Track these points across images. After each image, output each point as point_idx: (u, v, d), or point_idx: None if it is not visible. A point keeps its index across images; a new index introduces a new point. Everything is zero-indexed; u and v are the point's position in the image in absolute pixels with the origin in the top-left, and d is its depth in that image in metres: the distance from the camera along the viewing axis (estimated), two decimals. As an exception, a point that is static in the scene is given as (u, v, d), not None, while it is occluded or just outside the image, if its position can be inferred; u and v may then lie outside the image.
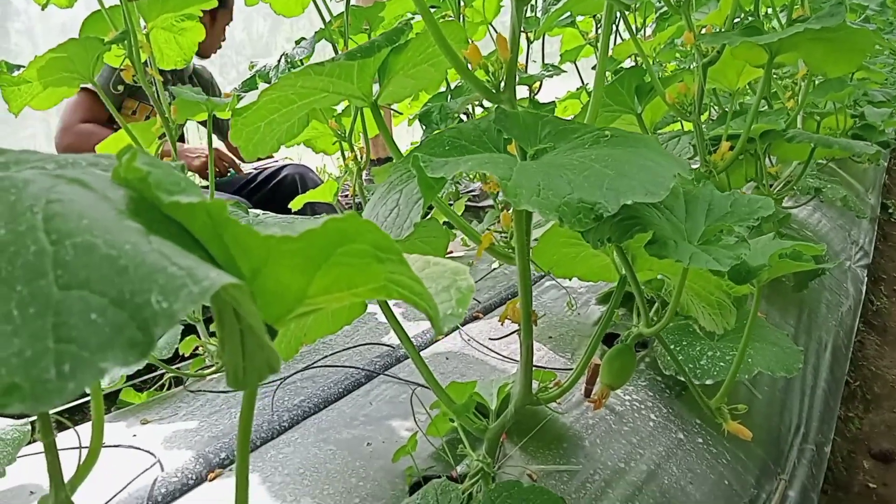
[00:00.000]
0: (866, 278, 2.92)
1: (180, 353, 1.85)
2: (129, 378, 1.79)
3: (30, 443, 1.30)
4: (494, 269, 2.39)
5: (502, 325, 1.05)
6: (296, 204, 2.35)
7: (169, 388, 1.85)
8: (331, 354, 1.67)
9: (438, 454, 1.24)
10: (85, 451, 0.56)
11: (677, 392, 1.59)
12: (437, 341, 1.77)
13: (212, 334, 1.91)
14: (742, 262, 0.75)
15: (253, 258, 0.35)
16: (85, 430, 1.36)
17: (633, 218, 0.75)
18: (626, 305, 1.99)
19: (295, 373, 1.56)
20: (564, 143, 0.80)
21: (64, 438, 1.33)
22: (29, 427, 1.20)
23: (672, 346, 1.59)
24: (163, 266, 0.28)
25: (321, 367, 1.58)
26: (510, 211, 1.00)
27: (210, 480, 1.18)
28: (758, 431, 1.64)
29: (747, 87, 2.43)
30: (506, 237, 1.06)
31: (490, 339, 1.74)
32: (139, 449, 1.30)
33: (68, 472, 0.51)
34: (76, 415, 1.88)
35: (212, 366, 1.83)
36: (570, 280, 1.44)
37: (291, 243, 0.36)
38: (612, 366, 0.94)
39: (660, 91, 1.61)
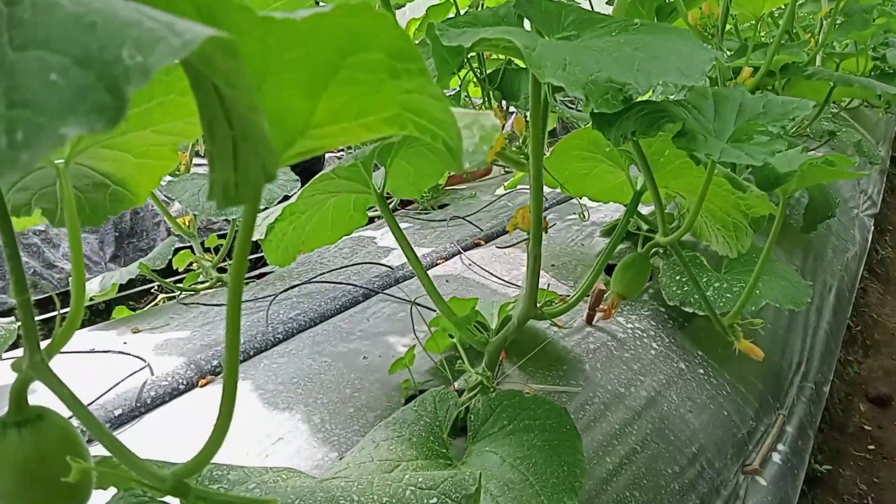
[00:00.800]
0: (873, 227, 2.88)
1: (174, 268, 1.82)
2: (122, 288, 1.76)
3: (13, 347, 1.27)
4: (497, 197, 2.34)
5: (511, 234, 1.00)
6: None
7: (161, 304, 1.82)
8: (328, 272, 1.63)
9: (436, 370, 1.21)
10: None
11: (680, 324, 1.56)
12: (437, 265, 1.73)
13: (206, 250, 1.87)
14: (770, 167, 0.70)
15: (252, 64, 0.30)
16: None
17: (660, 111, 0.69)
18: (629, 240, 1.95)
19: (291, 287, 1.53)
20: (589, 31, 0.74)
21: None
22: (15, 326, 1.17)
23: (678, 278, 1.55)
24: (137, 20, 0.23)
25: (319, 282, 1.54)
26: (527, 115, 0.94)
27: (201, 386, 1.15)
28: (759, 367, 1.62)
29: (768, 18, 2.34)
30: (518, 144, 1.01)
31: (498, 247, 1.69)
32: (129, 354, 1.27)
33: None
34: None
35: (205, 281, 1.79)
36: (579, 198, 1.39)
37: (295, 49, 0.30)
38: (624, 275, 0.90)
39: (682, 12, 1.53)
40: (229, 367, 0.44)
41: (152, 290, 2.55)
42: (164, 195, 2.20)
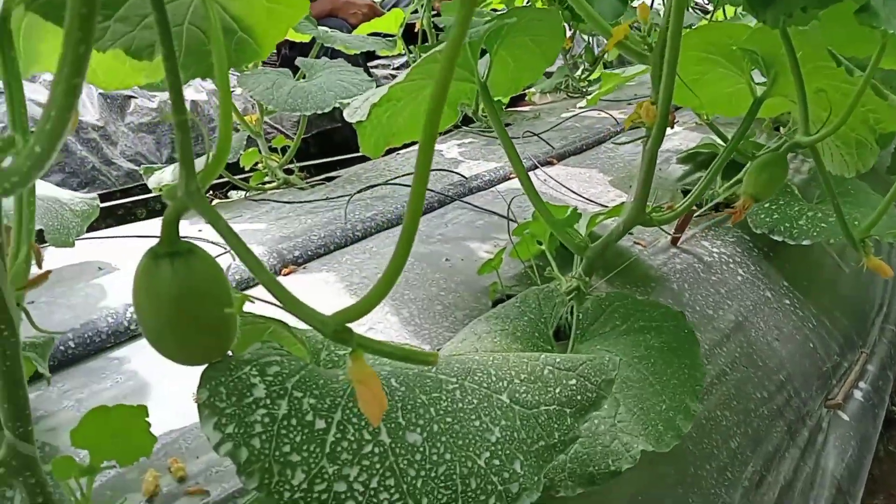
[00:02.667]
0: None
1: (241, 167, 1.79)
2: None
3: (96, 231, 1.25)
4: (564, 118, 2.26)
5: (626, 129, 0.94)
6: (361, 30, 2.21)
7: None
8: (401, 176, 1.59)
9: (521, 276, 1.17)
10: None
11: (765, 252, 1.50)
12: (511, 178, 1.68)
13: (272, 150, 1.83)
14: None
15: None
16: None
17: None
18: (706, 167, 1.87)
19: (366, 188, 1.49)
20: None
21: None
22: (98, 202, 1.15)
23: (768, 205, 1.48)
24: None
25: (395, 184, 1.50)
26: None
27: (284, 275, 1.13)
28: (844, 303, 1.56)
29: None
30: (639, 32, 0.93)
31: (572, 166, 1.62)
32: (207, 241, 1.24)
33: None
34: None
35: (273, 181, 1.76)
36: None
37: None
38: (759, 175, 0.84)
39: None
40: (415, 191, 0.40)
41: (207, 194, 2.54)
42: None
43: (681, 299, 1.22)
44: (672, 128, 0.85)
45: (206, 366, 0.48)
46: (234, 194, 2.52)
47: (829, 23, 0.80)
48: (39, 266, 0.55)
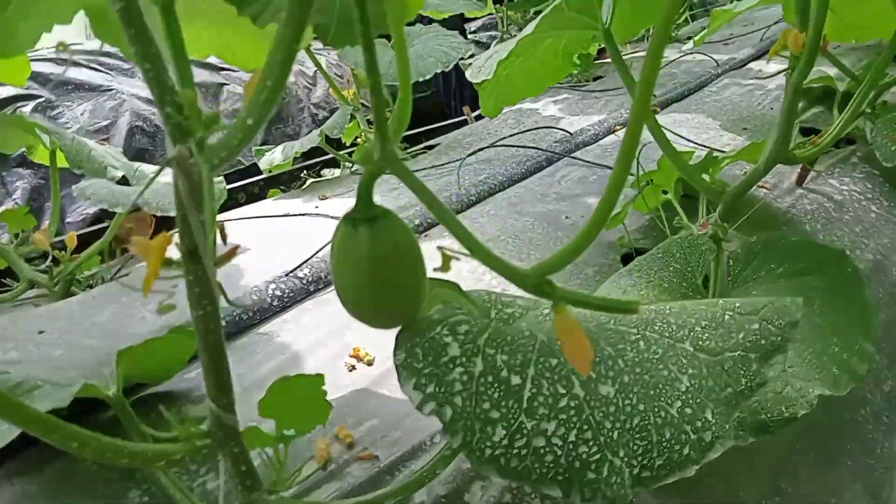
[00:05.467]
0: None
1: (343, 142, 1.81)
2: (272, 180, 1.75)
3: (222, 209, 1.29)
4: (663, 66, 2.18)
5: (769, 62, 0.90)
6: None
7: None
8: (502, 139, 1.57)
9: (647, 228, 1.14)
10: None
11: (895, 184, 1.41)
12: (615, 131, 1.64)
13: (370, 122, 1.84)
14: None
15: None
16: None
17: None
18: (823, 103, 1.77)
19: (473, 152, 1.48)
20: None
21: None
22: (224, 184, 1.19)
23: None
24: None
25: (504, 146, 1.48)
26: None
27: (408, 244, 1.14)
28: None
29: None
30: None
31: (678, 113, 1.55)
32: (326, 216, 1.27)
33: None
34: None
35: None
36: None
37: None
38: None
39: None
40: (635, 114, 0.39)
41: (301, 175, 2.60)
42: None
43: (815, 241, 1.17)
44: (824, 55, 0.80)
45: (398, 329, 0.49)
46: (326, 172, 2.56)
47: None
48: (224, 242, 0.57)
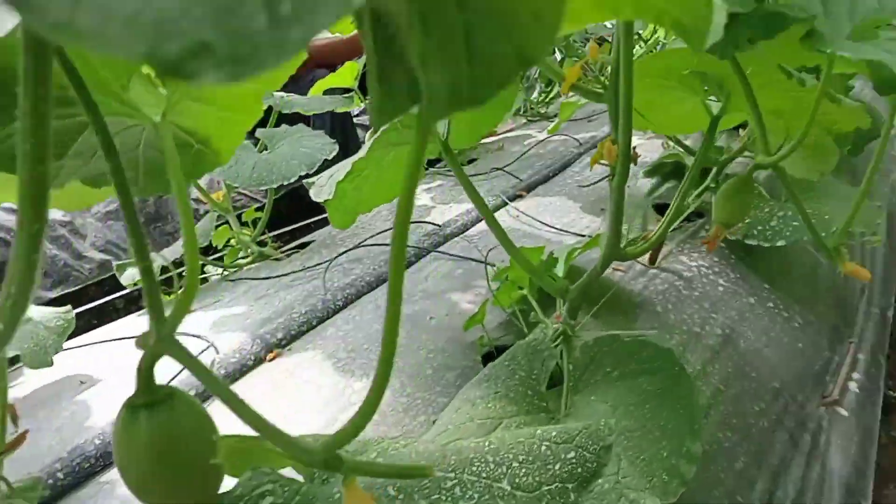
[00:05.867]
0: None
1: (213, 246, 1.78)
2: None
3: (72, 336, 1.23)
4: (528, 147, 2.28)
5: (591, 170, 0.95)
6: (316, 90, 2.22)
7: (204, 282, 1.77)
8: (373, 236, 1.58)
9: (507, 324, 1.17)
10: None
11: (740, 256, 1.51)
12: (481, 220, 1.68)
13: (243, 224, 1.82)
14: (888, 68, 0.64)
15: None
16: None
17: (778, 13, 0.63)
18: (674, 178, 1.90)
19: (341, 253, 1.48)
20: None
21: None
22: (73, 314, 1.13)
23: (736, 210, 1.49)
24: None
25: (369, 245, 1.49)
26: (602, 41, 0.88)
27: (269, 360, 1.12)
28: (826, 295, 1.57)
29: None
30: (592, 73, 0.94)
31: (542, 196, 1.63)
32: (189, 335, 1.23)
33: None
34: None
35: (247, 256, 1.75)
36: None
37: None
38: (728, 202, 0.84)
39: None
40: (391, 312, 0.40)
41: (182, 275, 2.52)
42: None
43: (667, 321, 1.23)
44: (635, 164, 0.85)
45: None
46: (209, 273, 2.50)
47: (776, 41, 0.82)
48: (16, 424, 0.54)
